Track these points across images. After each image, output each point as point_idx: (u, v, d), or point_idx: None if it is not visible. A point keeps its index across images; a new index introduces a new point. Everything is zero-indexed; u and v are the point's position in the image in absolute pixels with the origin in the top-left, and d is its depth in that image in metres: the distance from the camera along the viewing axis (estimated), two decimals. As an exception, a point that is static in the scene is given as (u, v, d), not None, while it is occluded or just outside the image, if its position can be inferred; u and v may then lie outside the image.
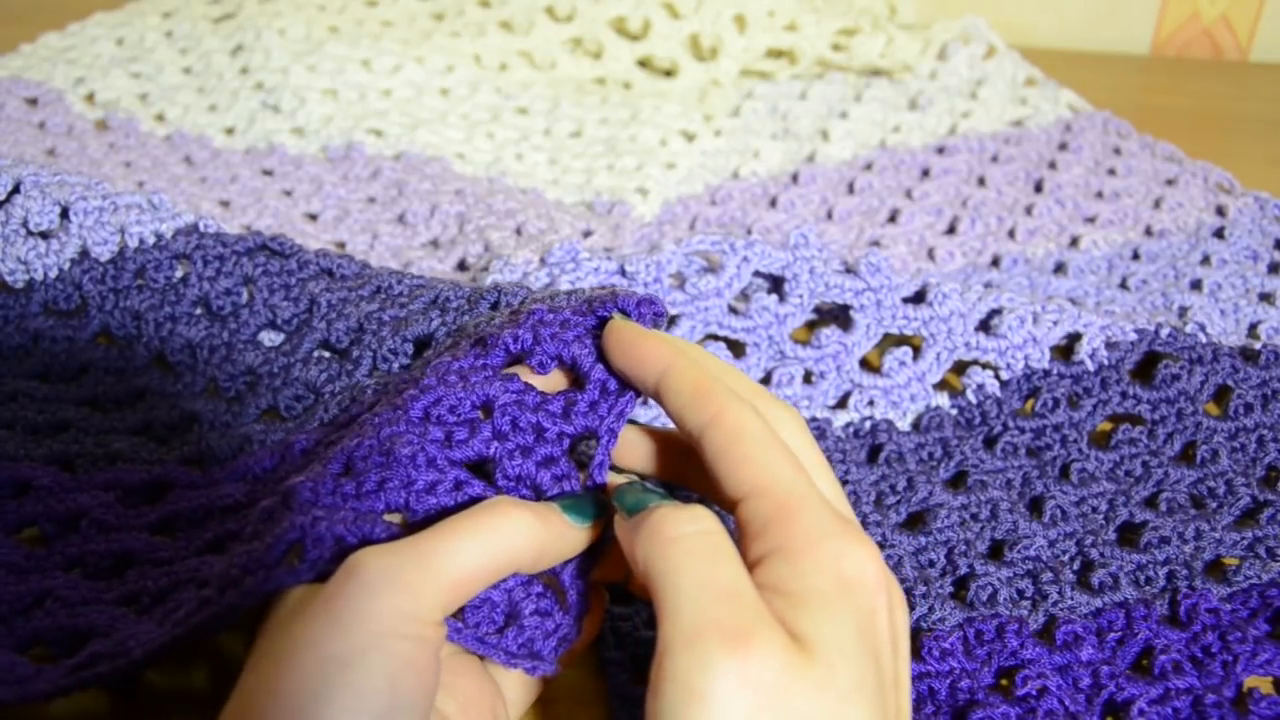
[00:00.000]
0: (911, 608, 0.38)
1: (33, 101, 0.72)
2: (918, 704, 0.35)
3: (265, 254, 0.46)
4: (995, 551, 0.41)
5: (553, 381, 0.34)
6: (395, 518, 0.31)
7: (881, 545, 0.40)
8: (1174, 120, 0.77)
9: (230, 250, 0.46)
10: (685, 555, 0.27)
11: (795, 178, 0.67)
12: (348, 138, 0.68)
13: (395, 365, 0.41)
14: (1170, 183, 0.66)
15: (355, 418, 0.38)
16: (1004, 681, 0.36)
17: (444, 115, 0.72)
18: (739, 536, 0.28)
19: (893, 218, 0.63)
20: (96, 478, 0.41)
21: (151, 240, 0.46)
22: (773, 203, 0.65)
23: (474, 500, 0.31)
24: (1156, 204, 0.63)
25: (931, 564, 0.40)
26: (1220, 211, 0.62)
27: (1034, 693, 0.35)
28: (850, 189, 0.66)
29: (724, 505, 0.30)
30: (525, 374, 0.34)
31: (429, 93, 0.75)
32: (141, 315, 0.46)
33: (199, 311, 0.46)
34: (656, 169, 0.66)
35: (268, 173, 0.66)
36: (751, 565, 0.27)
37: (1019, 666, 0.36)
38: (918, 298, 0.48)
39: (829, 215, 0.64)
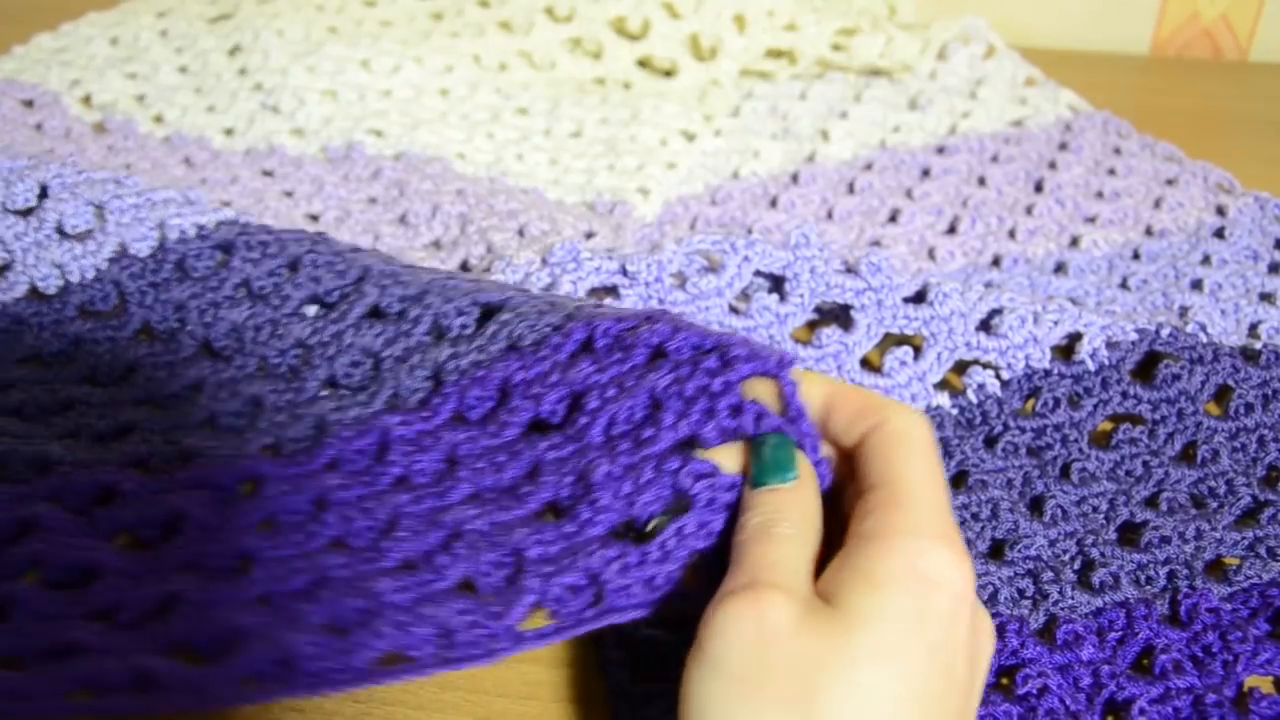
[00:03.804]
0: None
1: (28, 103, 0.71)
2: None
3: (312, 242, 0.45)
4: (996, 551, 0.41)
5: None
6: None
7: None
8: (1174, 120, 0.76)
9: (275, 237, 0.45)
10: (758, 546, 0.29)
11: (795, 178, 0.67)
12: (348, 138, 0.68)
13: (456, 324, 0.41)
14: (1170, 183, 0.66)
15: (462, 411, 0.39)
16: (1004, 680, 0.36)
17: (444, 115, 0.72)
18: (850, 531, 0.29)
19: (893, 217, 0.63)
20: (179, 478, 0.40)
21: (193, 232, 0.46)
22: (773, 203, 0.65)
23: (683, 491, 0.32)
24: (1157, 204, 0.63)
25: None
26: (1220, 211, 0.62)
27: (1034, 692, 0.35)
28: (850, 189, 0.66)
29: (853, 501, 0.31)
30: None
31: (428, 93, 0.75)
32: (184, 305, 0.45)
33: (241, 294, 0.45)
34: (657, 169, 0.66)
35: (268, 174, 0.66)
36: (846, 542, 0.29)
37: (1019, 666, 0.36)
38: (918, 297, 0.48)
39: (829, 215, 0.64)
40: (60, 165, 0.48)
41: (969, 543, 0.40)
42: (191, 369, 0.45)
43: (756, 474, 0.31)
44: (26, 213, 0.48)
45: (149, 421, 0.43)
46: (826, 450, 0.33)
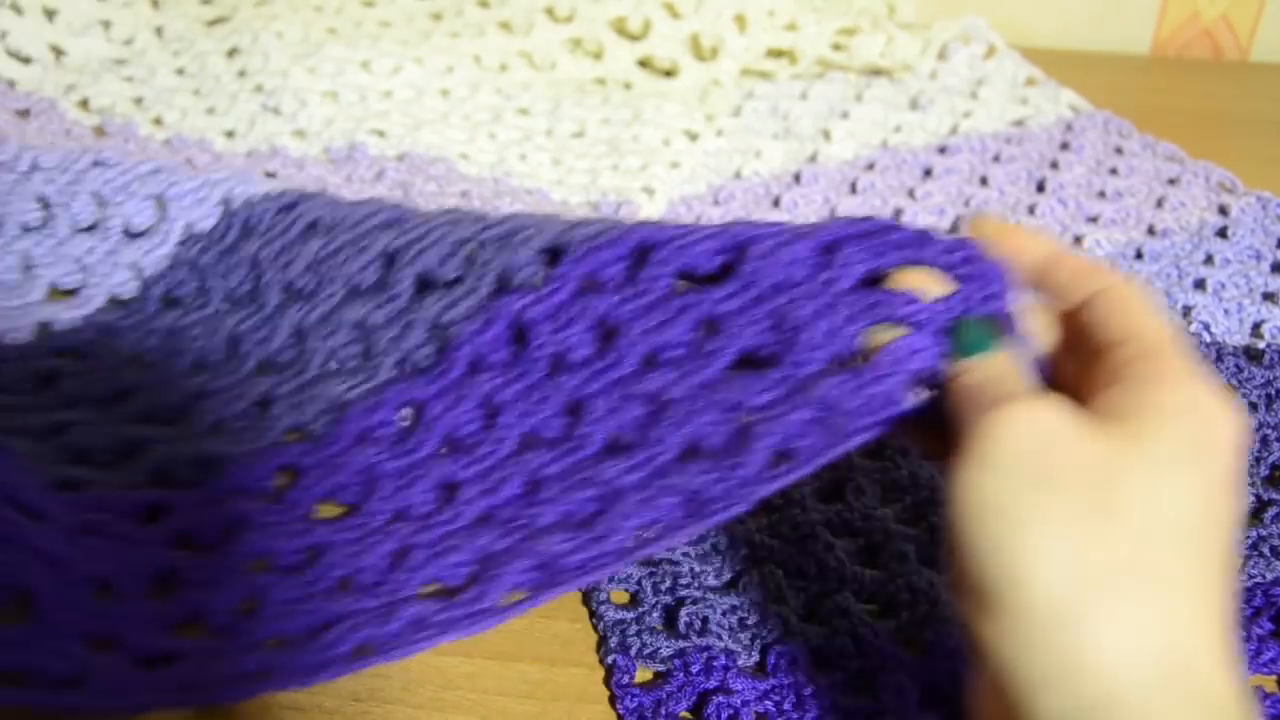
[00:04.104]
0: (915, 601, 0.38)
1: (24, 113, 0.71)
2: (924, 696, 0.35)
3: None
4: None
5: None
6: None
7: None
8: (1174, 120, 0.76)
9: (344, 200, 0.46)
10: (994, 384, 0.29)
11: (798, 177, 0.67)
12: (350, 139, 0.68)
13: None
14: (1172, 182, 0.66)
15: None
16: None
17: (446, 116, 0.72)
18: (1100, 377, 0.29)
19: (897, 218, 0.63)
20: (342, 430, 0.41)
21: (258, 197, 0.46)
22: (776, 202, 0.65)
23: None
24: (1159, 203, 0.64)
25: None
26: (1223, 211, 0.62)
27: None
28: (853, 189, 0.66)
29: (1088, 361, 0.30)
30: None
31: (430, 93, 0.75)
32: (257, 258, 0.45)
33: (310, 232, 0.45)
34: (661, 168, 0.66)
35: (270, 175, 0.66)
36: (1106, 386, 0.28)
37: None
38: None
39: (832, 215, 0.64)
40: (102, 169, 0.49)
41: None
42: (283, 317, 0.45)
43: (963, 349, 0.31)
44: (91, 227, 0.49)
45: (280, 387, 0.44)
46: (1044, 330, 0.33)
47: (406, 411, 0.42)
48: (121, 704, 0.32)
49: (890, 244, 0.33)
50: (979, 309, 0.31)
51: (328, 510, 0.41)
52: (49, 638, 0.32)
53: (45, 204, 0.50)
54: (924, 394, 0.31)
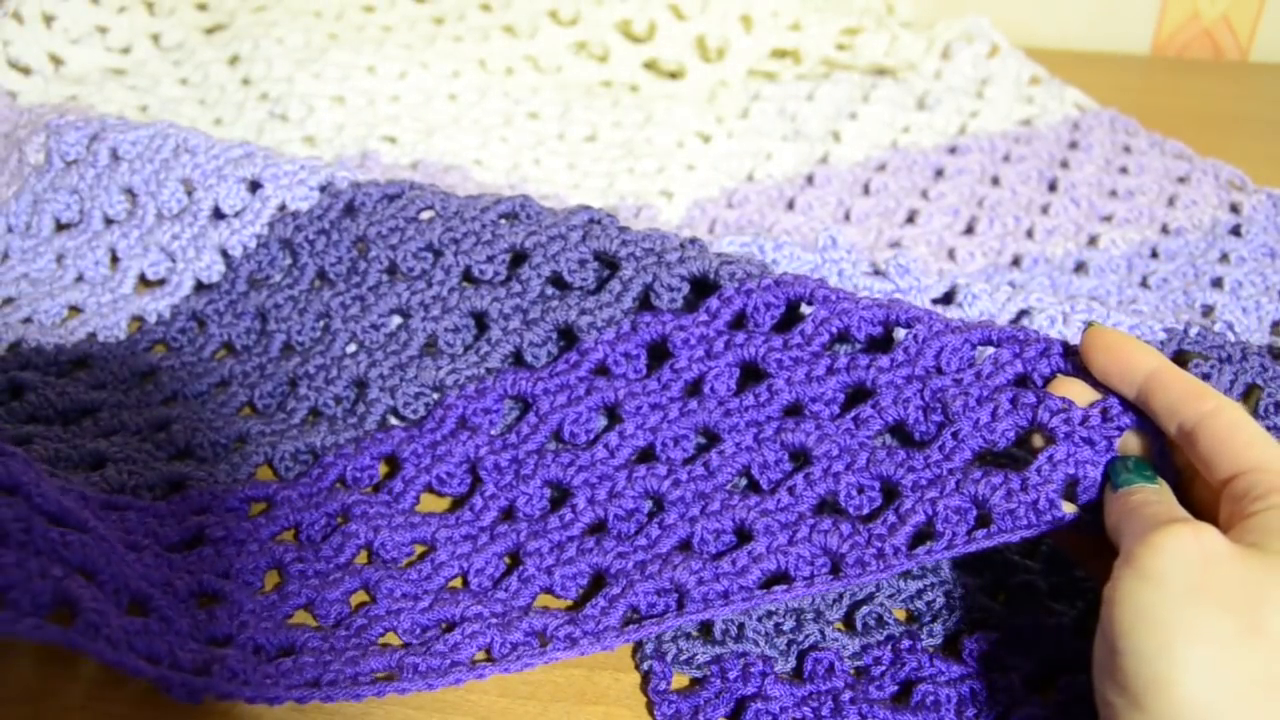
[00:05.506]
0: (951, 610, 0.38)
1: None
2: (960, 706, 0.35)
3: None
4: (1031, 551, 0.41)
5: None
6: None
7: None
8: (1175, 121, 0.76)
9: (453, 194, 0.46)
10: (1152, 507, 0.31)
11: (810, 179, 0.67)
12: (362, 146, 0.67)
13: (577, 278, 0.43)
14: (1182, 180, 0.66)
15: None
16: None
17: (456, 120, 0.72)
18: (1227, 505, 0.31)
19: (910, 218, 0.63)
20: (441, 414, 0.43)
21: (365, 181, 0.46)
22: (790, 205, 0.65)
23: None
24: (1170, 202, 0.64)
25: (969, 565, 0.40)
26: (1234, 209, 0.62)
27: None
28: (866, 190, 0.66)
29: (1206, 487, 0.33)
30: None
31: (438, 98, 0.74)
32: (364, 235, 0.45)
33: (425, 216, 0.45)
34: (678, 171, 0.66)
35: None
36: (1245, 517, 0.30)
37: None
38: (947, 299, 0.48)
39: (846, 217, 0.64)
40: (190, 155, 0.49)
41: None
42: (387, 299, 0.45)
43: (1124, 481, 0.33)
44: (180, 213, 0.49)
45: (381, 364, 0.44)
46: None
47: (510, 403, 0.43)
48: (251, 695, 0.33)
49: (1041, 352, 0.36)
50: (1123, 420, 0.34)
51: (432, 503, 0.41)
52: (170, 635, 0.33)
53: (131, 194, 0.51)
54: (1082, 510, 0.33)
